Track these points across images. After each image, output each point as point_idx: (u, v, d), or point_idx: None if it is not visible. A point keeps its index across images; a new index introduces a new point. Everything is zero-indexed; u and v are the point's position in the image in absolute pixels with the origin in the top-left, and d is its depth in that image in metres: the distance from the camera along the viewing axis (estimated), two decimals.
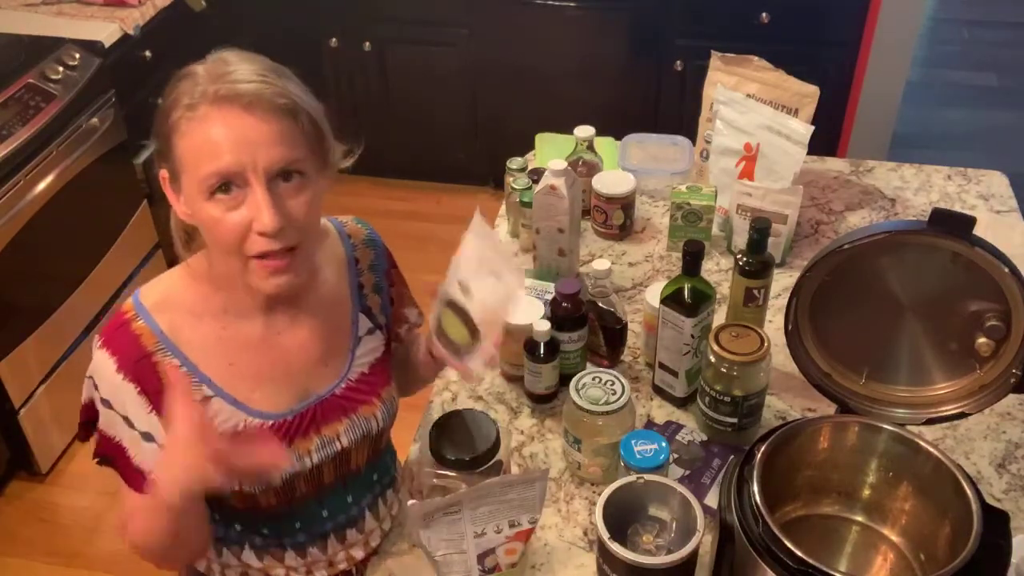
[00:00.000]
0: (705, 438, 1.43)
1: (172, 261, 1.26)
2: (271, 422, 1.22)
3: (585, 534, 1.32)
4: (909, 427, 1.22)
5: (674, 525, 1.20)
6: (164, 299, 1.19)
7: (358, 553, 1.35)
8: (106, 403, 1.17)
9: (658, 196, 1.97)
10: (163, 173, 1.13)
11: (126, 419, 1.17)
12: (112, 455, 1.21)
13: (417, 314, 1.45)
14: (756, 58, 1.85)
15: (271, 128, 1.06)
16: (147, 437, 1.17)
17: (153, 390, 1.15)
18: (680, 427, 1.46)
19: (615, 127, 2.09)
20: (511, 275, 1.21)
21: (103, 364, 1.16)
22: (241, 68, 1.07)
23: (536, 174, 1.79)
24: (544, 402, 1.52)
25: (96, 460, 1.23)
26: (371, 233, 1.37)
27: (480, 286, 1.21)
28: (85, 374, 1.20)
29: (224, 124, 1.05)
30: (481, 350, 1.21)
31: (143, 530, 1.19)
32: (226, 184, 1.06)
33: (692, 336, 1.41)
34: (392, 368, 1.37)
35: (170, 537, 1.18)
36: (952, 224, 1.15)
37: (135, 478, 1.20)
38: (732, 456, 1.32)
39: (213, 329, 1.19)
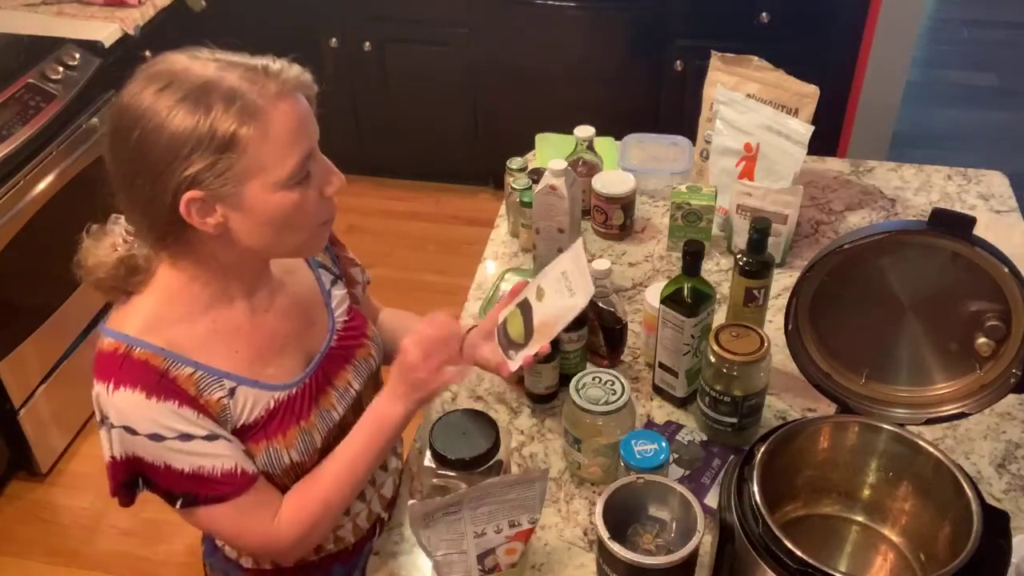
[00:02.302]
0: (705, 438, 1.43)
1: None
2: (294, 390, 1.25)
3: (585, 534, 1.32)
4: (909, 427, 1.22)
5: (674, 525, 1.20)
6: (147, 323, 1.16)
7: (388, 492, 1.42)
8: (155, 437, 1.13)
9: (658, 196, 1.97)
10: (193, 195, 1.07)
11: (183, 435, 1.13)
12: (193, 490, 1.17)
13: (361, 272, 1.47)
14: (756, 58, 1.85)
15: (307, 102, 1.13)
16: (211, 437, 1.16)
17: (188, 400, 1.14)
18: (680, 427, 1.46)
19: (615, 127, 2.09)
20: (581, 295, 1.28)
21: (130, 401, 1.12)
22: (263, 59, 1.10)
23: (536, 174, 1.79)
24: (544, 402, 1.52)
25: (179, 507, 1.19)
26: None
27: (553, 296, 1.31)
28: (109, 427, 1.14)
29: (293, 113, 1.09)
30: (525, 351, 1.30)
31: (325, 504, 1.25)
32: (306, 167, 1.12)
33: (692, 336, 1.41)
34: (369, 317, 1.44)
35: (362, 481, 1.28)
36: (952, 224, 1.15)
37: (226, 487, 1.17)
38: (732, 456, 1.32)
39: (205, 326, 1.19)
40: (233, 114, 1.05)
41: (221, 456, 1.16)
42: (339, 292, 1.37)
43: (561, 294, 1.30)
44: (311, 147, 1.12)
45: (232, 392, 1.18)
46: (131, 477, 1.17)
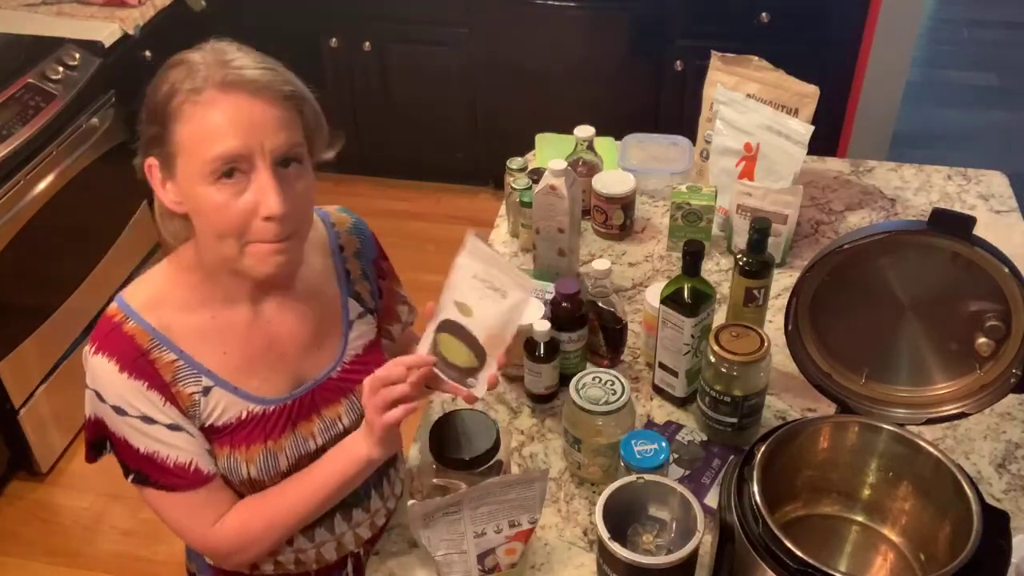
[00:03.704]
0: (705, 438, 1.43)
1: None
2: (271, 407, 1.23)
3: (585, 534, 1.32)
4: (909, 427, 1.22)
5: (674, 525, 1.20)
6: (152, 298, 1.18)
7: (365, 533, 1.37)
8: (119, 410, 1.15)
9: (658, 196, 1.97)
10: (150, 161, 1.13)
11: (145, 417, 1.15)
12: (145, 470, 1.18)
13: (408, 311, 1.45)
14: (756, 58, 1.85)
15: (277, 114, 1.08)
16: (174, 428, 1.17)
17: (160, 385, 1.15)
18: (680, 427, 1.46)
19: (615, 127, 2.09)
20: (517, 290, 1.16)
21: (104, 369, 1.14)
22: (244, 58, 1.09)
23: (536, 174, 1.79)
24: (544, 402, 1.52)
25: (130, 479, 1.20)
26: (357, 222, 1.39)
27: (482, 304, 1.17)
28: (85, 387, 1.18)
29: (232, 108, 1.06)
30: (485, 371, 1.17)
31: (269, 526, 1.23)
32: (231, 168, 1.07)
33: (692, 336, 1.41)
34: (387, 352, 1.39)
35: (314, 514, 1.26)
36: (952, 224, 1.15)
37: (176, 479, 1.18)
38: (732, 456, 1.32)
39: (203, 319, 1.19)
40: (180, 86, 1.07)
41: (178, 448, 1.17)
42: (364, 326, 1.34)
43: (491, 299, 1.16)
44: (242, 151, 1.06)
45: (207, 391, 1.19)
46: (98, 438, 1.21)
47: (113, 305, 1.18)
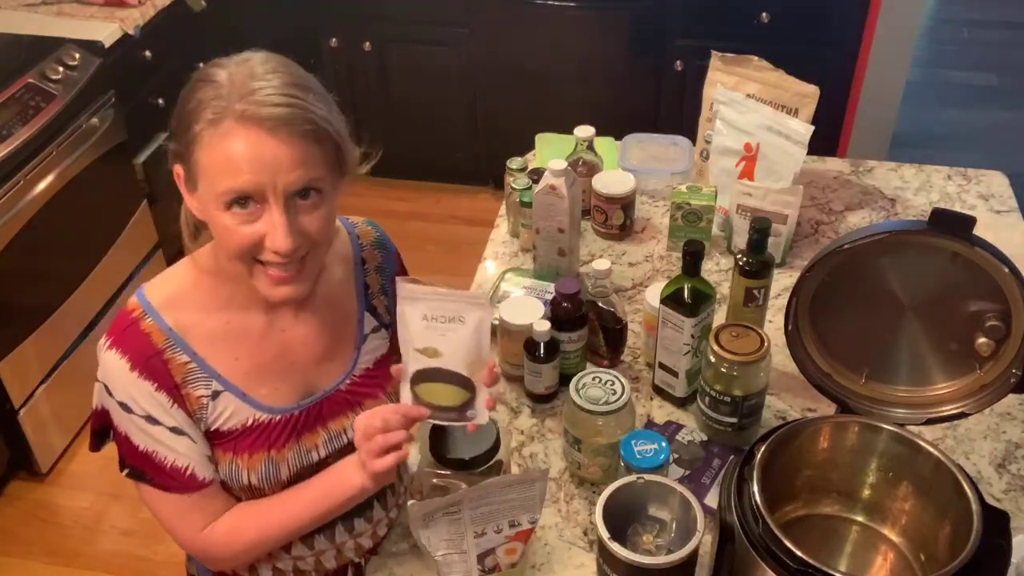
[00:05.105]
0: (705, 438, 1.43)
1: (172, 260, 1.26)
2: (277, 416, 1.23)
3: (585, 534, 1.32)
4: (909, 427, 1.22)
5: (674, 525, 1.20)
6: (171, 297, 1.19)
7: (366, 542, 1.37)
8: (125, 407, 1.16)
9: (658, 196, 1.97)
10: (178, 170, 1.13)
11: (149, 417, 1.16)
12: (141, 467, 1.19)
13: None
14: (756, 58, 1.85)
15: (293, 151, 1.06)
16: (177, 431, 1.17)
17: (170, 386, 1.16)
18: (680, 427, 1.46)
19: (615, 127, 2.09)
20: (473, 309, 1.15)
21: (115, 365, 1.15)
22: (269, 84, 1.06)
23: (536, 174, 1.79)
24: (544, 402, 1.52)
25: (125, 473, 1.21)
26: (381, 236, 1.39)
27: (447, 340, 1.16)
28: (94, 378, 1.18)
29: (247, 143, 1.05)
30: (481, 397, 1.17)
31: (259, 538, 1.23)
32: (243, 199, 1.07)
33: (692, 336, 1.41)
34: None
35: (304, 529, 1.26)
36: (952, 224, 1.15)
37: (171, 480, 1.19)
38: (732, 456, 1.32)
39: (219, 323, 1.20)
40: (203, 112, 1.06)
41: (177, 452, 1.18)
42: (377, 340, 1.33)
43: (452, 331, 1.15)
44: (254, 187, 1.06)
45: (216, 395, 1.19)
46: (103, 427, 1.21)
47: (133, 299, 1.18)
